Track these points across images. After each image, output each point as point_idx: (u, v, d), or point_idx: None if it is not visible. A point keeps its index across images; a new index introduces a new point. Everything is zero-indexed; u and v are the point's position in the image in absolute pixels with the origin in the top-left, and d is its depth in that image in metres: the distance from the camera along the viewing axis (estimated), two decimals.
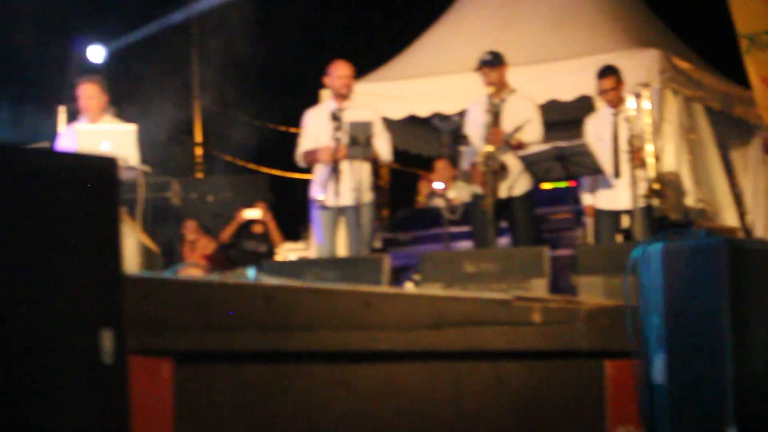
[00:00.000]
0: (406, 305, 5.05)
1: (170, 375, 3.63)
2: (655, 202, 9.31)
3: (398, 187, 16.37)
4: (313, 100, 11.32)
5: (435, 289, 7.24)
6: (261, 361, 4.30)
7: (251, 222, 13.83)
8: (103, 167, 2.95)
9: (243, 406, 4.24)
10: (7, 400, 2.71)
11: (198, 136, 21.29)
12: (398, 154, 12.90)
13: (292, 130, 19.50)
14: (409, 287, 9.52)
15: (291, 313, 4.38)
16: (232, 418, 4.18)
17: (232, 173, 19.90)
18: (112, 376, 2.90)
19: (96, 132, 9.07)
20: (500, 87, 9.59)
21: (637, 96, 9.29)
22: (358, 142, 8.96)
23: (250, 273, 5.20)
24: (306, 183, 10.58)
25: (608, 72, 9.70)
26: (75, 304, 2.84)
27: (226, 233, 13.85)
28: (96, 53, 16.07)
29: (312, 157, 9.53)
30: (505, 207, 9.45)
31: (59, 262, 2.84)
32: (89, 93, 9.46)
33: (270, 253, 13.55)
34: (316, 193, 9.47)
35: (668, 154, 10.81)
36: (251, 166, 21.62)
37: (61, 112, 10.63)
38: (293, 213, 14.52)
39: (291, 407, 4.47)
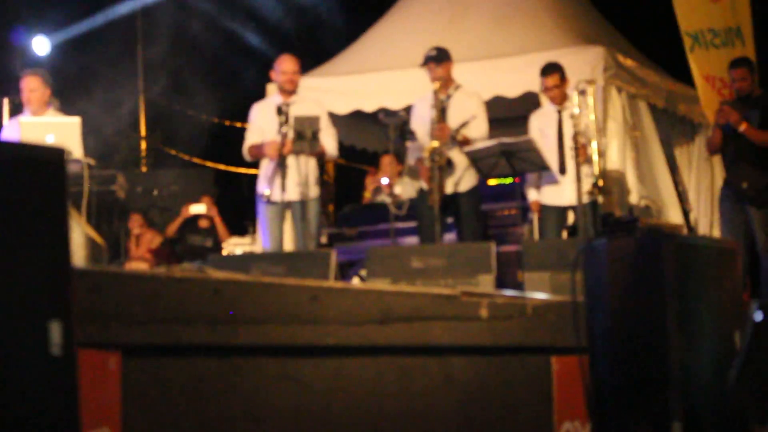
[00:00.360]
0: (353, 300, 5.05)
1: (117, 368, 3.61)
2: (600, 198, 9.36)
3: (344, 183, 16.39)
4: (260, 94, 11.28)
5: (382, 284, 7.24)
6: (209, 355, 4.29)
7: (197, 216, 13.78)
8: (50, 158, 2.93)
9: (191, 399, 4.23)
10: None
11: (143, 130, 21.18)
12: (344, 149, 12.92)
13: (238, 124, 19.47)
14: (356, 282, 9.52)
15: (239, 306, 4.37)
16: (180, 411, 4.17)
17: (177, 167, 19.80)
18: (60, 368, 2.87)
19: (40, 124, 9.00)
20: (446, 83, 9.61)
21: (582, 93, 9.34)
22: (304, 136, 8.95)
23: (198, 266, 5.18)
24: (252, 178, 10.56)
25: (552, 69, 9.75)
26: (23, 296, 2.81)
27: (172, 228, 13.79)
28: (40, 45, 15.93)
29: (258, 151, 9.50)
30: (451, 202, 9.47)
31: (7, 254, 2.81)
32: (32, 86, 9.42)
33: (216, 247, 13.52)
34: (262, 187, 9.44)
35: (612, 151, 10.88)
36: (197, 160, 21.53)
37: (4, 105, 10.55)
38: (239, 208, 14.48)
39: (239, 401, 4.46)
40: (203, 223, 13.82)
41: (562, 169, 9.57)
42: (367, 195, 12.84)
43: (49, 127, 8.91)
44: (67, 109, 9.84)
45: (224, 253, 13.02)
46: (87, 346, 3.18)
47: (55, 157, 2.94)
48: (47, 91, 9.47)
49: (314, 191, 9.45)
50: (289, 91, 9.51)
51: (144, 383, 3.88)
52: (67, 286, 2.90)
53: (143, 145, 21.02)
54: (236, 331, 4.36)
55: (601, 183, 9.21)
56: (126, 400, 3.74)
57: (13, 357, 2.81)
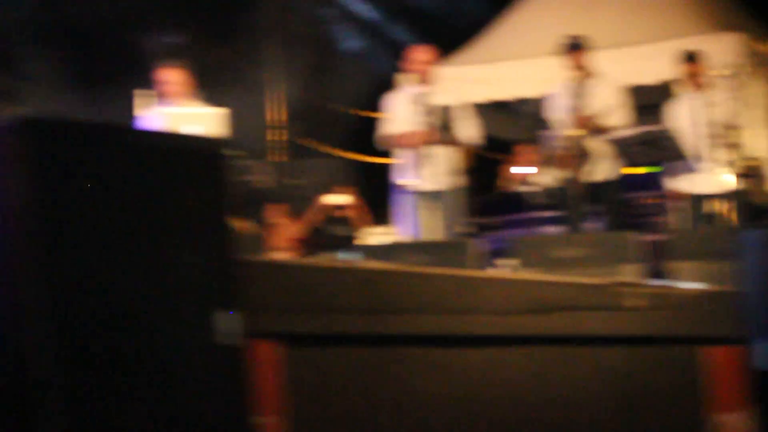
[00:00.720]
0: (503, 289, 5.04)
1: (282, 357, 3.66)
2: (743, 186, 9.23)
3: (479, 172, 16.28)
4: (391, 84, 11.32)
5: (532, 274, 7.23)
6: (363, 344, 4.32)
7: (336, 206, 13.85)
8: (210, 148, 2.97)
9: (347, 388, 4.26)
10: (125, 382, 2.75)
11: (283, 120, 21.30)
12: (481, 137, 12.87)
13: (372, 114, 19.52)
14: (504, 271, 9.52)
15: (391, 296, 4.39)
16: (336, 401, 4.20)
17: (316, 158, 19.94)
18: (228, 358, 2.92)
19: (186, 115, 9.12)
20: (584, 71, 9.54)
21: (720, 80, 9.22)
22: (448, 126, 8.97)
23: (343, 256, 5.23)
24: (387, 168, 10.60)
25: (691, 57, 9.63)
26: (189, 287, 2.86)
27: (312, 217, 13.89)
28: (175, 36, 16.18)
29: (396, 141, 9.54)
30: (593, 191, 9.41)
31: (171, 245, 2.86)
32: (175, 78, 9.53)
33: (355, 237, 13.58)
34: (402, 177, 9.49)
35: (751, 139, 10.69)
36: (333, 150, 21.65)
37: (138, 96, 10.69)
38: (376, 198, 14.54)
39: (390, 389, 4.48)
40: (343, 213, 13.89)
41: (701, 158, 9.44)
42: (503, 184, 12.80)
43: (196, 117, 9.01)
44: (207, 100, 9.97)
45: (363, 242, 13.08)
46: (253, 336, 3.22)
47: (214, 147, 2.98)
48: (191, 82, 9.59)
49: (457, 180, 9.47)
50: (425, 80, 9.53)
51: (305, 372, 3.92)
52: (232, 276, 2.95)
53: (284, 136, 21.17)
54: (387, 321, 4.39)
55: (744, 171, 9.08)
56: (289, 389, 3.79)
57: (180, 347, 2.86)
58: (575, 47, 9.54)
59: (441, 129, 9.01)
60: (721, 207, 9.19)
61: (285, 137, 21.12)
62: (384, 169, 11.54)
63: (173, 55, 14.58)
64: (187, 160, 2.92)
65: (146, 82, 9.89)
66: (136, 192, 2.80)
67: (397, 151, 9.64)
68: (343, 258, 5.02)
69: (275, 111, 21.02)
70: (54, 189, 2.65)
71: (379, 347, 4.41)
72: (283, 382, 3.61)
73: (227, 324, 2.94)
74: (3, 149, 2.61)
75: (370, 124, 10.42)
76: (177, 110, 9.30)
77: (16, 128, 2.62)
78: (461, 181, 9.47)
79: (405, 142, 9.44)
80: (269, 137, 20.66)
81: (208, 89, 10.21)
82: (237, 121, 9.34)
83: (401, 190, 9.55)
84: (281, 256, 11.49)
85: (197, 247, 2.89)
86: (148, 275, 2.79)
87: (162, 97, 9.61)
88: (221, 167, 3.00)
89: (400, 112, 9.57)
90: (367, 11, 17.16)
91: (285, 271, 3.86)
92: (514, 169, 12.25)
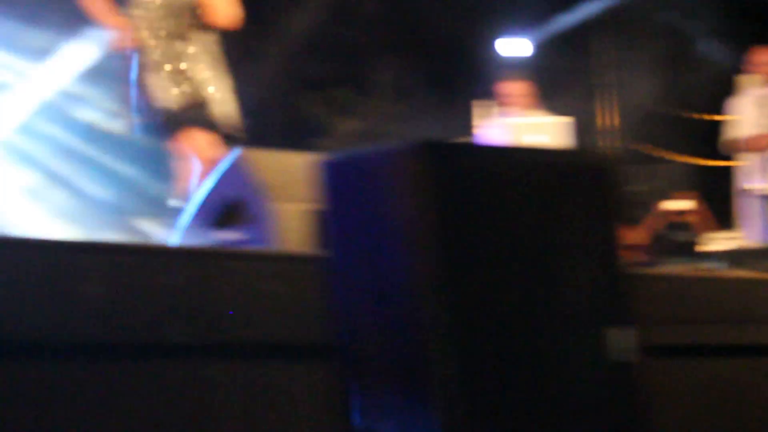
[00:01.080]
0: None
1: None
2: None
3: None
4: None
5: None
6: (727, 355, 4.27)
7: (677, 212, 13.64)
8: (602, 163, 3.03)
9: (710, 399, 4.23)
10: (519, 389, 2.83)
11: (615, 126, 21.16)
12: None
13: (708, 117, 19.13)
14: None
15: (759, 305, 4.33)
16: (702, 411, 4.18)
17: (647, 163, 19.70)
18: (624, 374, 2.96)
19: (531, 125, 9.18)
20: None
21: None
22: None
23: (701, 264, 5.17)
24: (729, 171, 10.41)
25: None
26: (582, 301, 2.92)
27: (652, 224, 13.72)
28: (521, 46, 16.37)
29: (744, 145, 9.35)
30: None
31: (565, 259, 2.93)
32: (519, 90, 9.67)
33: (698, 243, 13.32)
34: (748, 181, 9.32)
35: None
36: (672, 155, 21.32)
37: (477, 107, 10.82)
38: (719, 202, 14.25)
39: (755, 401, 4.42)
40: (683, 219, 13.67)
41: None
42: None
43: (539, 127, 9.07)
44: (549, 109, 10.04)
45: (708, 248, 12.82)
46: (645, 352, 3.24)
47: (602, 160, 3.03)
48: (535, 92, 9.71)
49: None
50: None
51: (672, 384, 3.92)
52: (624, 290, 2.98)
53: (617, 142, 21.03)
54: (756, 331, 4.33)
55: None
56: (652, 400, 3.79)
57: (574, 363, 2.92)
58: None
59: None
60: None
61: (618, 143, 20.94)
62: (726, 173, 11.32)
63: (511, 66, 14.73)
64: (577, 175, 2.98)
65: (484, 92, 10.04)
66: (528, 209, 2.89)
67: (742, 155, 9.44)
68: (702, 266, 4.94)
69: (608, 116, 20.91)
70: (452, 210, 2.76)
71: (744, 357, 4.36)
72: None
73: (621, 340, 2.97)
74: (406, 173, 2.75)
75: (711, 128, 10.25)
76: (520, 120, 9.39)
77: (417, 152, 2.75)
78: None
79: (751, 145, 9.24)
80: (600, 143, 20.54)
81: (546, 98, 10.28)
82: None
83: (747, 194, 9.35)
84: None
85: (589, 261, 2.94)
86: (542, 291, 2.87)
87: (503, 107, 9.74)
88: (610, 181, 3.05)
89: (745, 115, 9.36)
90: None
91: (654, 281, 3.88)
92: None
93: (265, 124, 11.34)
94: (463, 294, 2.75)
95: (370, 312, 2.95)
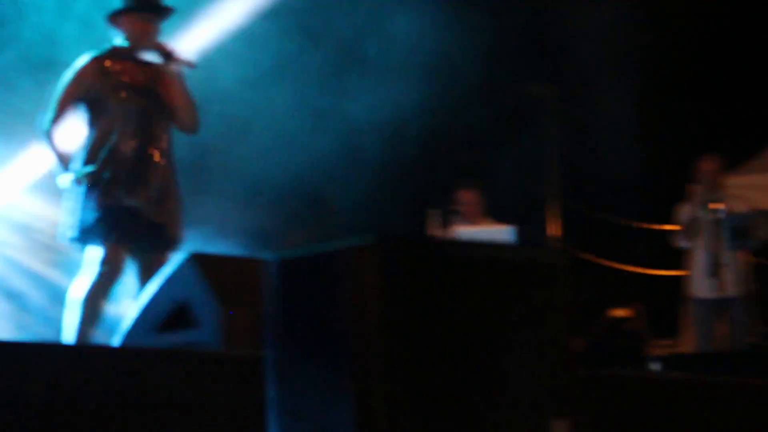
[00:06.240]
0: None
1: None
2: None
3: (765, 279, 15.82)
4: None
5: None
6: None
7: (620, 320, 13.72)
8: (555, 262, 3.06)
9: None
10: None
11: (556, 234, 21.28)
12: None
13: (655, 226, 19.33)
14: None
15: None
16: None
17: (591, 272, 19.83)
18: None
19: (475, 233, 9.34)
20: None
21: None
22: (740, 233, 8.90)
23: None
24: (673, 280, 10.53)
25: None
26: (528, 394, 2.93)
27: (595, 332, 13.78)
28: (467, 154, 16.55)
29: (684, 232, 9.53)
30: None
31: (517, 353, 2.95)
32: (470, 198, 9.86)
33: (640, 351, 13.39)
34: (693, 286, 9.48)
35: None
36: (613, 264, 21.47)
37: (430, 216, 10.89)
38: (661, 309, 14.36)
39: None
40: (627, 327, 13.74)
41: None
42: None
43: (484, 235, 9.19)
44: (495, 218, 10.17)
45: (649, 354, 12.90)
46: None
47: (558, 259, 3.07)
48: (483, 202, 9.90)
49: (746, 288, 9.41)
50: (711, 189, 9.50)
51: None
52: (568, 387, 3.01)
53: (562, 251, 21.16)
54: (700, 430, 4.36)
55: None
56: None
57: None
58: None
59: (735, 236, 8.95)
60: None
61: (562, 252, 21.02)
62: (671, 281, 11.44)
63: (469, 176, 14.87)
64: (531, 272, 3.02)
65: (438, 201, 10.18)
66: (481, 304, 2.92)
67: (685, 261, 9.60)
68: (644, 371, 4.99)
69: (552, 225, 21.05)
70: (401, 306, 2.78)
71: None
72: None
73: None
74: (353, 271, 2.77)
75: (659, 236, 10.39)
76: (467, 230, 9.53)
77: (373, 247, 2.77)
78: (746, 288, 9.40)
79: (697, 250, 9.40)
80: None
81: (493, 207, 10.41)
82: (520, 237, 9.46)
83: (693, 301, 9.52)
84: None
85: (539, 355, 2.97)
86: (491, 383, 2.88)
87: (457, 216, 9.89)
88: (563, 279, 3.09)
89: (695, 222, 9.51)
90: None
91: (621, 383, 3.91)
92: None
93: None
94: (408, 389, 2.76)
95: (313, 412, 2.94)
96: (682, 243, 9.66)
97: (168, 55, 7.05)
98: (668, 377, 4.42)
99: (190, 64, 7.09)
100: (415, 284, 2.82)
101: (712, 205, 9.26)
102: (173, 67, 7.04)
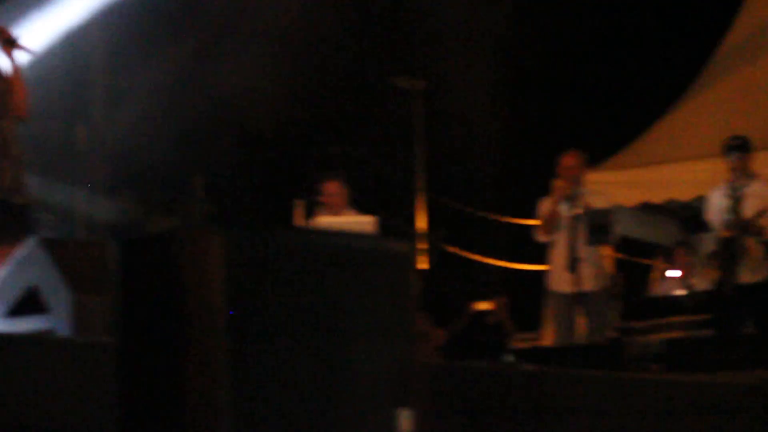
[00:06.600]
0: (656, 390, 5.05)
1: None
2: None
3: (627, 274, 16.13)
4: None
5: (678, 376, 7.15)
6: None
7: (483, 313, 13.85)
8: (402, 252, 3.06)
9: None
10: None
11: (424, 226, 21.36)
12: (628, 241, 12.91)
13: (520, 221, 19.55)
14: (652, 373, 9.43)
15: (553, 397, 4.42)
16: None
17: (458, 265, 19.99)
18: None
19: (337, 223, 9.35)
20: (743, 172, 9.45)
21: None
22: (598, 228, 9.02)
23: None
24: (537, 274, 10.64)
25: None
26: (371, 382, 2.93)
27: (458, 325, 13.89)
28: (331, 149, 16.58)
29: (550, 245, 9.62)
30: (747, 293, 9.28)
31: (361, 341, 2.94)
32: (333, 189, 9.86)
33: (502, 344, 13.53)
34: (552, 281, 9.56)
35: None
36: (478, 257, 21.66)
37: (298, 206, 10.89)
38: (525, 303, 14.53)
39: None
40: (490, 320, 13.88)
41: None
42: (654, 287, 12.68)
43: (346, 226, 9.21)
44: (359, 209, 10.18)
45: (513, 347, 13.04)
46: None
47: (401, 249, 3.07)
48: (346, 193, 9.91)
49: (604, 283, 9.52)
50: (575, 185, 9.60)
51: None
52: (414, 376, 3.01)
53: (425, 243, 21.26)
54: (550, 421, 4.41)
55: None
56: None
57: None
58: (743, 148, 9.48)
59: (593, 232, 9.05)
60: None
61: (427, 244, 21.13)
62: (534, 274, 11.56)
63: (333, 167, 14.87)
64: (377, 262, 3.01)
65: (307, 191, 10.18)
66: (324, 292, 2.90)
67: (547, 255, 9.69)
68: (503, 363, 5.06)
69: (423, 218, 21.15)
70: (243, 291, 2.77)
71: None
72: None
73: (406, 421, 2.99)
74: (200, 251, 2.74)
75: (519, 230, 10.49)
76: (329, 219, 9.55)
77: (212, 232, 2.74)
78: (605, 283, 9.52)
79: (556, 245, 9.50)
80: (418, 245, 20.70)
81: (361, 198, 10.43)
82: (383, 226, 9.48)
83: (550, 293, 9.60)
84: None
85: (384, 344, 2.97)
86: (333, 370, 2.88)
87: (321, 206, 9.89)
88: (409, 269, 3.10)
89: (556, 216, 9.60)
90: None
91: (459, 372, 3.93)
92: (666, 272, 12.15)
93: None
94: (249, 374, 2.74)
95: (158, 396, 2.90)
96: (542, 237, 9.75)
97: (10, 42, 6.96)
98: (518, 369, 4.45)
99: (30, 52, 7.03)
100: (258, 270, 2.81)
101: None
102: (14, 54, 6.96)
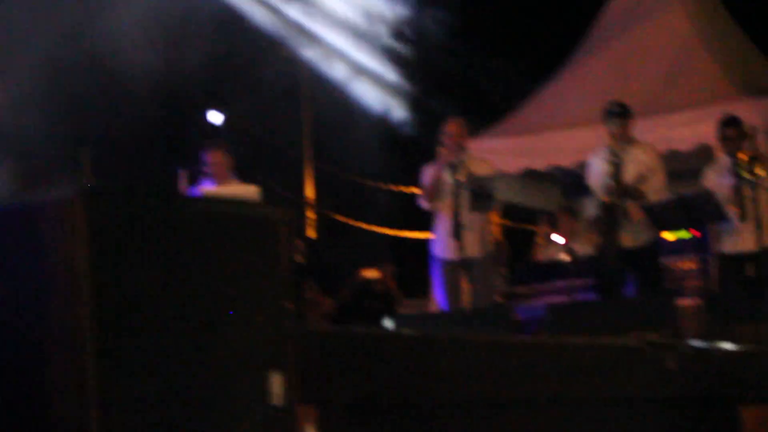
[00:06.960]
0: (540, 354, 5.09)
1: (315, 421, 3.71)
2: None
3: (514, 241, 16.31)
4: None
5: (565, 338, 7.24)
6: (402, 410, 4.35)
7: (371, 281, 13.89)
8: (276, 218, 3.05)
9: None
10: None
11: (311, 196, 21.42)
12: (511, 208, 13.06)
13: (405, 189, 19.64)
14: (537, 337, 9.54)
15: (431, 363, 4.43)
16: None
17: (345, 233, 20.05)
18: (281, 418, 2.97)
19: (221, 193, 9.26)
20: (622, 138, 9.57)
21: (757, 143, 9.26)
22: (481, 195, 9.07)
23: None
24: (423, 242, 10.68)
25: (733, 121, 9.63)
26: (244, 347, 2.93)
27: (346, 293, 13.92)
28: (215, 117, 16.46)
29: (433, 212, 9.65)
30: (629, 257, 9.42)
31: (231, 308, 2.94)
32: (216, 158, 9.73)
33: (390, 311, 13.59)
34: (437, 248, 9.60)
35: None
36: (364, 225, 21.72)
37: (182, 175, 10.81)
38: (412, 270, 14.61)
39: None
40: (377, 288, 13.92)
41: (743, 217, 9.39)
42: (539, 252, 12.82)
43: (230, 195, 9.13)
44: (243, 178, 10.10)
45: (399, 314, 13.10)
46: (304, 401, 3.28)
47: (281, 217, 3.06)
48: (230, 161, 9.78)
49: (488, 249, 9.58)
50: (455, 151, 9.62)
51: None
52: (288, 340, 3.01)
53: (312, 212, 21.30)
54: (429, 387, 4.42)
55: None
56: None
57: (234, 406, 2.93)
58: (622, 115, 9.59)
59: (476, 198, 9.11)
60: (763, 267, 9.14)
61: (315, 214, 21.18)
62: (420, 242, 11.61)
63: (213, 135, 14.76)
64: (250, 228, 3.00)
65: (190, 160, 10.07)
66: (196, 257, 2.89)
67: (432, 222, 9.73)
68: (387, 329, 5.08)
69: (310, 187, 21.17)
70: (111, 258, 2.74)
71: (417, 412, 4.45)
72: None
73: (280, 386, 2.99)
74: (67, 219, 2.71)
75: (405, 198, 10.52)
76: (213, 189, 9.44)
77: (80, 199, 2.71)
78: (489, 250, 9.57)
79: (441, 212, 9.54)
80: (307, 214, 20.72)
81: (247, 167, 10.35)
82: (268, 196, 9.42)
83: (436, 260, 9.64)
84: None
85: (255, 310, 2.96)
86: (205, 335, 2.87)
87: (205, 176, 9.78)
88: (284, 235, 3.08)
89: (439, 183, 9.63)
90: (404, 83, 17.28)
91: (332, 338, 3.92)
92: (549, 237, 12.28)
93: None
94: (120, 343, 2.72)
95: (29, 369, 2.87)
96: (426, 205, 9.79)
97: None
98: (402, 334, 4.45)
99: None
100: (127, 236, 2.78)
101: None
102: None
